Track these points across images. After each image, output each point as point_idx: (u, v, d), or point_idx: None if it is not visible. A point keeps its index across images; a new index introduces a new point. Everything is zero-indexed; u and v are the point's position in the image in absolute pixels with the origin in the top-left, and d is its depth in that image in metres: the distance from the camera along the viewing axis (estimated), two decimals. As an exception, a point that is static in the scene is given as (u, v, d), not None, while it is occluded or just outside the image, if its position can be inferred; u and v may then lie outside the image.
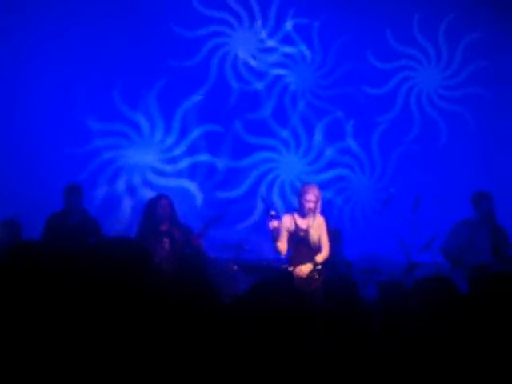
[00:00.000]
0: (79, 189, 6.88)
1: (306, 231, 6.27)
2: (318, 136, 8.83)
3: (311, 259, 6.23)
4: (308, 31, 8.85)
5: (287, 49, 8.85)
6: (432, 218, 7.86)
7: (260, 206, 8.17)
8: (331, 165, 8.84)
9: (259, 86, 8.76)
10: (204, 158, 8.54)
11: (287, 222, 6.33)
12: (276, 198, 8.66)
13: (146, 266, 2.65)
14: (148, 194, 7.52)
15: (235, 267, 6.83)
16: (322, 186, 6.90)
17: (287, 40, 8.83)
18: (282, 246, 6.33)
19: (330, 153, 8.85)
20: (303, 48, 8.86)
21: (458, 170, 8.87)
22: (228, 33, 8.69)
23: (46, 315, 2.42)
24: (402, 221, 6.98)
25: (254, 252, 7.05)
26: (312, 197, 6.28)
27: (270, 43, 8.78)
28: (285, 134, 8.80)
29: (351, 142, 8.92)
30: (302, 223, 6.31)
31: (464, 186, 8.02)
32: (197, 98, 8.54)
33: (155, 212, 6.43)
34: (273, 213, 6.36)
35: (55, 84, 7.99)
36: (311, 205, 6.26)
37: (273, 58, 8.79)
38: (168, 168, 8.43)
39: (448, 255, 6.63)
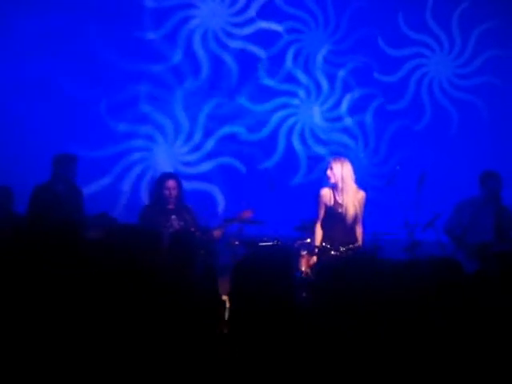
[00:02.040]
0: (72, 158, 6.78)
1: (344, 207, 6.08)
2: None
3: (345, 236, 6.08)
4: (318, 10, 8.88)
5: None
6: (438, 196, 7.84)
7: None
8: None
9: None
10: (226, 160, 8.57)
11: (326, 196, 6.15)
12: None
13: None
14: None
15: (237, 242, 6.80)
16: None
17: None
18: (318, 231, 6.15)
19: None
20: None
21: (467, 153, 8.81)
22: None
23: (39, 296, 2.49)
24: (406, 199, 6.91)
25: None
26: (328, 170, 6.17)
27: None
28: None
29: (367, 118, 8.98)
30: (339, 198, 6.12)
31: (472, 168, 7.92)
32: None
33: (162, 191, 6.37)
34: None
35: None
36: (330, 178, 6.13)
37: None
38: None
39: (451, 234, 6.57)
